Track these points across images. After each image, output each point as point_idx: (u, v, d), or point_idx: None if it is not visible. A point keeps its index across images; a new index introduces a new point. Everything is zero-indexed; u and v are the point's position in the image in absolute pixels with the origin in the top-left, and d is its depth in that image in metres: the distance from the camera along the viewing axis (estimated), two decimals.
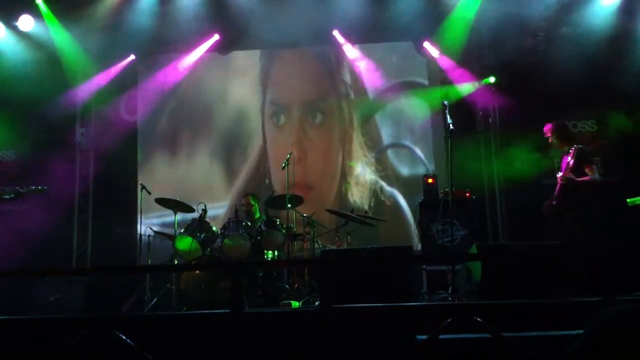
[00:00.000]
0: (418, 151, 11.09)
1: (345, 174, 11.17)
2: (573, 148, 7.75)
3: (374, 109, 11.33)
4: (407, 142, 11.16)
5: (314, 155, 11.20)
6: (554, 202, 7.68)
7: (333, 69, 11.51)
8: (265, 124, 11.46)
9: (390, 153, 11.19)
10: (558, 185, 7.70)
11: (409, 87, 11.26)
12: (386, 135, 11.26)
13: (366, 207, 10.47)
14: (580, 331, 2.48)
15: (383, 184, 11.02)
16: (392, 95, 11.23)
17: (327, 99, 11.40)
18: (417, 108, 11.20)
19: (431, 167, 10.85)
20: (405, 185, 10.97)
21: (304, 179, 10.63)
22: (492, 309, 4.74)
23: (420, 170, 10.79)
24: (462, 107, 10.31)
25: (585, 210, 7.68)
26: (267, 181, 11.16)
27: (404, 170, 11.06)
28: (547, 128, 7.97)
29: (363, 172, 11.13)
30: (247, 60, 11.75)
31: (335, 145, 11.27)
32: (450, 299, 6.61)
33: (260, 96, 11.54)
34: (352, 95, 11.43)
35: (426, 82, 11.33)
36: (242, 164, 11.37)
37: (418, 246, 9.82)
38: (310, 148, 11.22)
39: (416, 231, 10.49)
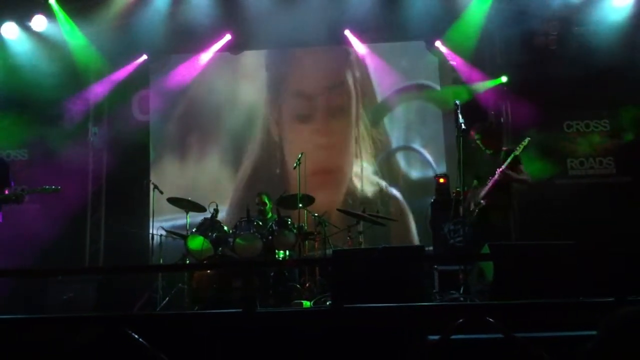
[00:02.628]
0: (426, 154, 11.08)
1: (357, 173, 11.17)
2: (504, 149, 7.72)
3: (385, 108, 11.31)
4: (416, 145, 11.14)
5: (327, 152, 11.22)
6: (482, 201, 7.51)
7: (345, 67, 11.49)
8: (277, 122, 11.48)
9: (399, 155, 11.20)
10: (491, 183, 7.52)
11: (420, 86, 11.24)
12: (395, 136, 11.26)
13: (378, 207, 10.47)
14: (593, 332, 2.47)
15: (387, 183, 11.04)
16: (403, 94, 11.22)
17: (340, 97, 11.40)
18: (427, 108, 11.20)
19: (440, 170, 10.82)
20: (413, 187, 10.98)
21: (316, 174, 10.67)
22: (504, 309, 4.73)
23: (429, 173, 10.79)
24: (474, 107, 10.27)
25: (510, 210, 7.65)
26: (278, 180, 11.16)
27: (413, 173, 11.07)
28: (473, 130, 7.81)
29: (374, 170, 11.13)
30: (258, 60, 11.77)
31: (348, 143, 11.27)
32: (462, 299, 6.60)
33: (272, 95, 11.55)
34: (364, 94, 11.41)
35: (438, 81, 11.30)
36: (254, 163, 11.38)
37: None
38: (322, 146, 11.23)
39: (416, 232, 10.53)
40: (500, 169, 7.35)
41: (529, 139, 7.55)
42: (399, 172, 11.10)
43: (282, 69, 11.57)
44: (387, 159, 11.19)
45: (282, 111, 11.51)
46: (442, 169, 10.84)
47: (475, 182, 7.97)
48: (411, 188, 10.96)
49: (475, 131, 7.66)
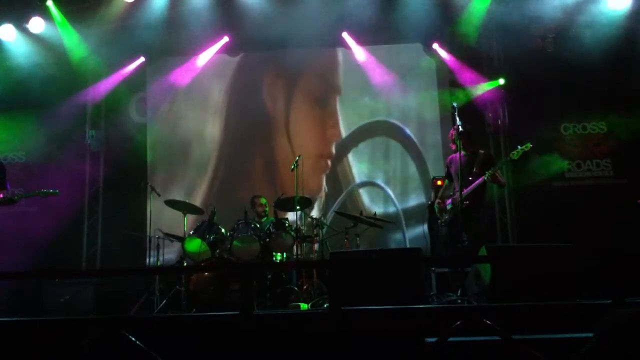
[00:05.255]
0: (388, 190, 11.07)
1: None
2: (481, 152, 7.73)
3: (349, 144, 11.38)
4: (379, 180, 11.17)
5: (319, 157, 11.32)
6: (467, 202, 7.36)
7: (343, 70, 11.53)
8: (275, 125, 11.49)
9: (362, 191, 11.24)
10: (474, 184, 7.47)
11: (417, 89, 11.25)
12: (358, 172, 11.31)
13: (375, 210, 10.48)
14: (591, 334, 2.47)
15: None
16: (366, 129, 11.35)
17: (336, 100, 11.46)
18: (390, 144, 11.29)
19: (400, 206, 10.92)
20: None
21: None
22: (501, 311, 4.73)
23: (391, 209, 10.84)
24: (471, 109, 10.28)
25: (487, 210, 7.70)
26: (274, 183, 11.15)
27: (375, 208, 10.59)
28: (453, 130, 7.77)
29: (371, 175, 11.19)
30: (254, 62, 11.75)
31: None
32: (459, 301, 6.60)
33: (270, 97, 11.54)
34: (359, 96, 11.44)
35: (435, 83, 11.30)
36: (251, 165, 11.39)
37: None
38: (320, 148, 11.27)
39: None
40: (492, 171, 7.35)
41: (530, 145, 7.49)
42: (362, 207, 10.74)
43: (281, 71, 11.53)
44: (350, 194, 11.16)
45: (281, 112, 11.51)
46: (400, 207, 10.90)
47: (446, 181, 8.00)
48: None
49: (455, 131, 7.65)
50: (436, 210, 7.97)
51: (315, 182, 11.08)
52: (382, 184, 11.14)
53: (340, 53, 11.57)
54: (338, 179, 11.29)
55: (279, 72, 11.55)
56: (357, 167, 11.30)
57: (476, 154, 7.70)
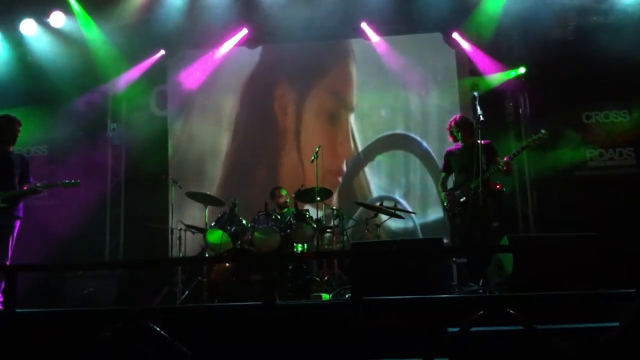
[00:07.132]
0: (405, 204, 10.88)
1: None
2: (486, 141, 7.60)
3: (365, 157, 11.30)
4: (396, 195, 10.92)
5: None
6: (480, 189, 7.17)
7: (360, 61, 11.51)
8: (292, 115, 11.52)
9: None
10: (486, 172, 7.30)
11: (437, 79, 11.20)
12: (375, 185, 11.24)
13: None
14: (613, 323, 2.47)
15: None
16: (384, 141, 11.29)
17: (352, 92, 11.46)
18: (410, 157, 11.18)
19: (418, 221, 10.73)
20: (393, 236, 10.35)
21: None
22: (524, 300, 4.72)
23: (409, 224, 10.64)
24: (491, 98, 10.21)
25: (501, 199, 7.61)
26: (294, 174, 11.16)
27: (392, 223, 10.33)
28: (452, 122, 7.74)
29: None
30: (273, 54, 11.77)
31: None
32: (481, 291, 6.59)
33: (290, 89, 11.57)
34: (376, 88, 11.41)
35: (455, 73, 11.23)
36: (270, 157, 11.43)
37: None
38: (339, 141, 11.28)
39: None
40: (506, 159, 7.27)
41: (544, 132, 7.40)
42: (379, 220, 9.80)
43: (298, 63, 11.51)
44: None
45: (300, 104, 11.52)
46: (417, 221, 10.74)
47: (443, 174, 7.97)
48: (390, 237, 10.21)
49: (454, 123, 7.65)
50: (445, 203, 7.91)
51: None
52: (400, 199, 10.99)
53: (356, 44, 11.53)
54: (355, 192, 11.17)
55: (292, 66, 11.50)
56: (374, 181, 11.21)
57: (473, 145, 7.58)
